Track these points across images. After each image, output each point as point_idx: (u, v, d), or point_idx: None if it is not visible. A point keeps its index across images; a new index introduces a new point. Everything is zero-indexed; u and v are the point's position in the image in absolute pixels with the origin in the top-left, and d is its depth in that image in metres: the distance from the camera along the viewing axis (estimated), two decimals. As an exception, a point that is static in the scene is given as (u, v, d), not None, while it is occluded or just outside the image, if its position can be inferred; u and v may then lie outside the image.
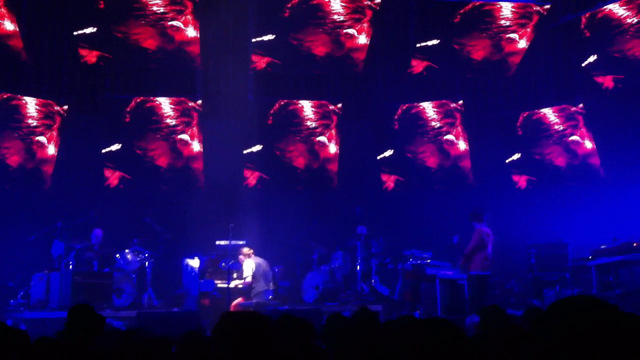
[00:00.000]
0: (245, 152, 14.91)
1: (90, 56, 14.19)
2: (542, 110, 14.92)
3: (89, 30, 14.00)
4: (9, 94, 14.01)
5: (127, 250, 12.92)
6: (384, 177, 15.31)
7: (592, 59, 13.96)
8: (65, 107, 14.29)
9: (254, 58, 14.53)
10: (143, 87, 14.83)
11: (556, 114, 14.85)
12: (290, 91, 15.31)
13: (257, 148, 14.97)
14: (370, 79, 15.40)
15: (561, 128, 14.77)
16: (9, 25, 13.42)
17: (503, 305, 8.29)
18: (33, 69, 14.22)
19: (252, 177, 15.00)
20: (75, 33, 13.98)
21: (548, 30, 14.64)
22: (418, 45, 14.69)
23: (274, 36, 14.45)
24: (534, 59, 14.97)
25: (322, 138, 15.15)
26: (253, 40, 14.47)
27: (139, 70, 14.85)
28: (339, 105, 15.18)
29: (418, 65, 14.86)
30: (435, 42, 14.59)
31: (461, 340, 2.16)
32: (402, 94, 15.42)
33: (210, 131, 14.86)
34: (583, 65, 14.08)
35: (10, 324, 9.02)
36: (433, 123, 15.33)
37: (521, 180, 15.05)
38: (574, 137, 14.62)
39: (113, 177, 14.53)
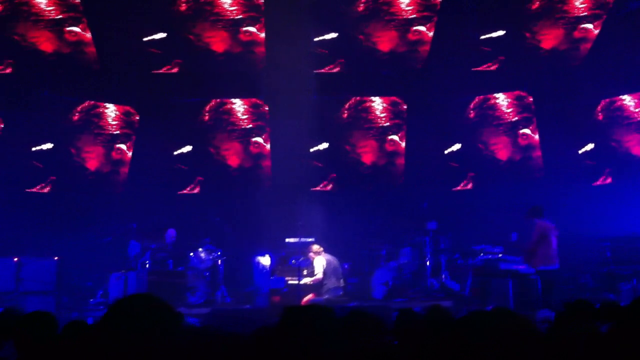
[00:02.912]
0: (311, 150, 15.07)
1: (159, 60, 14.65)
2: (623, 97, 14.46)
3: (158, 35, 14.43)
4: (93, 102, 14.63)
5: (200, 249, 13.18)
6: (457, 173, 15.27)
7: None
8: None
9: (318, 57, 14.71)
10: (210, 89, 15.13)
11: (636, 101, 14.38)
12: (354, 88, 15.34)
13: (324, 146, 15.12)
14: (435, 72, 15.23)
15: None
16: (85, 33, 13.93)
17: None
18: (105, 75, 14.68)
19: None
20: (145, 39, 14.40)
21: (619, 17, 14.19)
22: (482, 37, 14.53)
23: (337, 34, 14.55)
24: (604, 47, 14.51)
25: (394, 137, 15.22)
26: (315, 39, 14.59)
27: (206, 73, 15.15)
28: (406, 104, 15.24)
29: (484, 57, 14.71)
30: (501, 32, 14.42)
31: (536, 335, 2.15)
32: (468, 86, 15.20)
33: (276, 130, 15.05)
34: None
35: (90, 322, 9.35)
36: (507, 112, 15.13)
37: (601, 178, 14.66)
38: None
39: (193, 183, 15.05)
